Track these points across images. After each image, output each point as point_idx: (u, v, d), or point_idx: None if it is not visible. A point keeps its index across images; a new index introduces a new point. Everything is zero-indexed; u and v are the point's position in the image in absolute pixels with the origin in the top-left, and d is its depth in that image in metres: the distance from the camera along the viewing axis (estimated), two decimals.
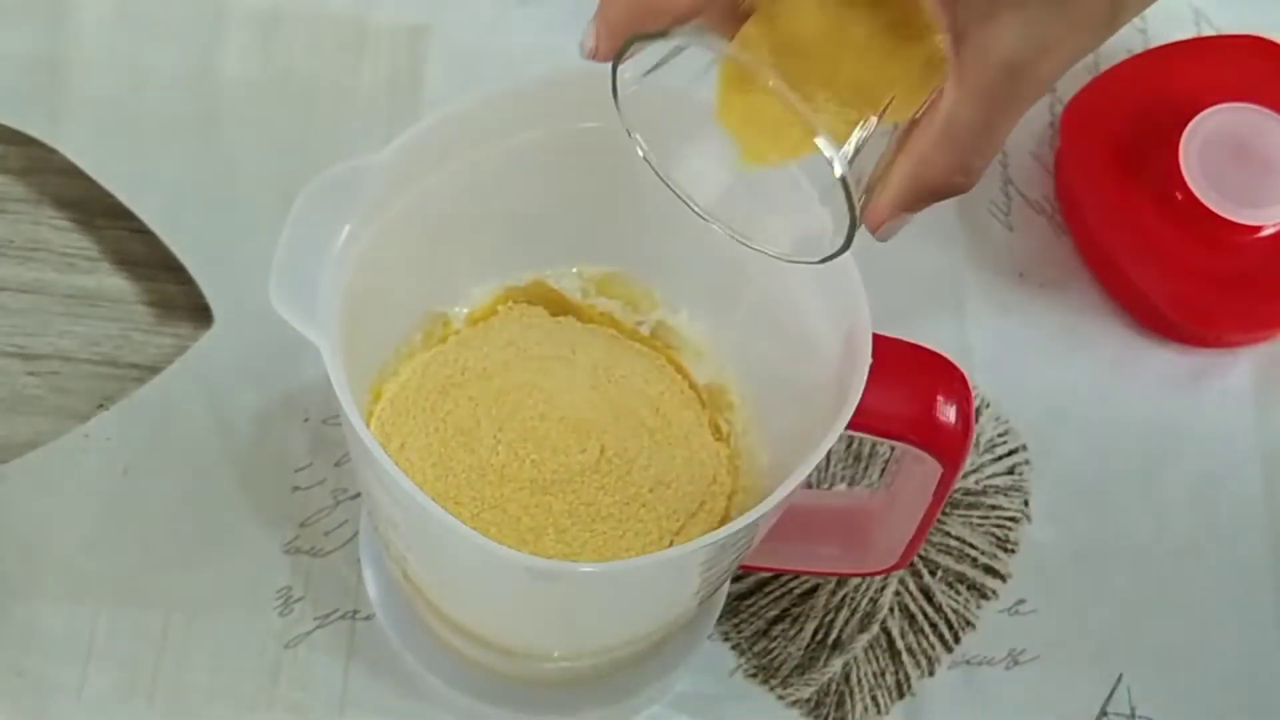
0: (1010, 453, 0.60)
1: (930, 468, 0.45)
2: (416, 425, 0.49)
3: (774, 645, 0.56)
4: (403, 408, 0.49)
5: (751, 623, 0.57)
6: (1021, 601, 0.58)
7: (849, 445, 0.59)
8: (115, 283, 0.60)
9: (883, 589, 0.57)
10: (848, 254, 0.43)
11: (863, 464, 0.59)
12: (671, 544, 0.47)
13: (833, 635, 0.56)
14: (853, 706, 0.56)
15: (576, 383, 0.50)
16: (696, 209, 0.42)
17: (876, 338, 0.42)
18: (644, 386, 0.51)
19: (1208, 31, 0.67)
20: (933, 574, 0.58)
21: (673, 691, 0.55)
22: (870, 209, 0.41)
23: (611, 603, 0.46)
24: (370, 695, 0.54)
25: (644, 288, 0.52)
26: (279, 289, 0.40)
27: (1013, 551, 0.58)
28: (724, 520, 0.49)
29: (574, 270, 0.52)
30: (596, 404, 0.50)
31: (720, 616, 0.56)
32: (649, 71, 0.39)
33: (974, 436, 0.53)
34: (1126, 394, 0.62)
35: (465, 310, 0.51)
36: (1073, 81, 0.65)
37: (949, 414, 0.44)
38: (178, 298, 0.60)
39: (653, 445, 0.49)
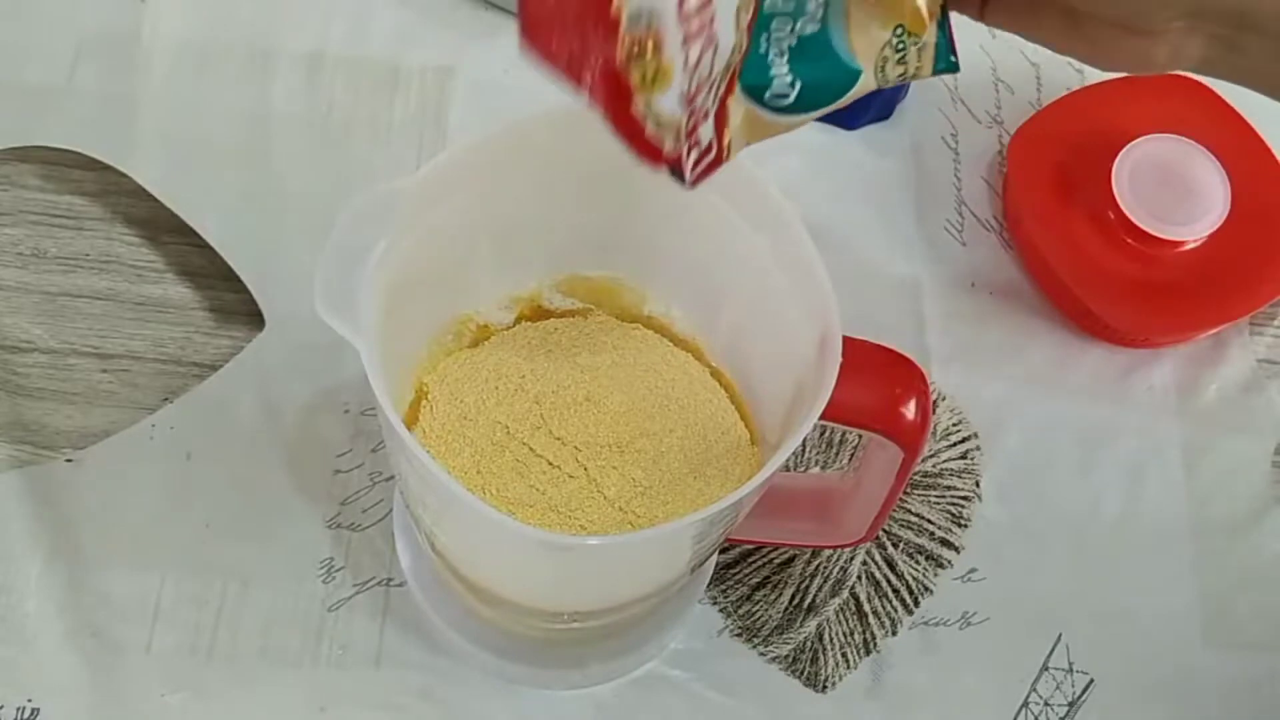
0: (963, 440, 0.60)
1: (893, 453, 0.45)
2: (451, 415, 0.48)
3: (756, 608, 0.56)
4: (436, 400, 0.48)
5: (736, 588, 0.56)
6: (973, 570, 0.58)
7: (822, 434, 0.59)
8: (179, 291, 0.60)
9: (852, 559, 0.57)
10: (821, 267, 0.42)
11: (834, 450, 0.59)
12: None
13: (808, 600, 0.56)
14: (825, 662, 0.56)
15: (614, 375, 0.49)
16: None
17: (846, 340, 0.41)
18: (672, 376, 0.49)
19: None
20: (895, 546, 0.57)
21: (667, 649, 0.55)
22: None
23: (616, 569, 0.46)
24: (402, 652, 0.54)
25: (638, 294, 0.51)
26: (323, 297, 0.40)
27: (965, 526, 0.58)
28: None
29: (582, 276, 0.51)
30: (629, 391, 0.48)
31: (709, 583, 0.56)
32: None
33: (931, 426, 0.54)
34: (1065, 388, 0.62)
35: (489, 313, 0.50)
36: (1018, 115, 0.65)
37: (909, 407, 0.43)
38: (234, 305, 0.60)
39: (683, 429, 0.48)
